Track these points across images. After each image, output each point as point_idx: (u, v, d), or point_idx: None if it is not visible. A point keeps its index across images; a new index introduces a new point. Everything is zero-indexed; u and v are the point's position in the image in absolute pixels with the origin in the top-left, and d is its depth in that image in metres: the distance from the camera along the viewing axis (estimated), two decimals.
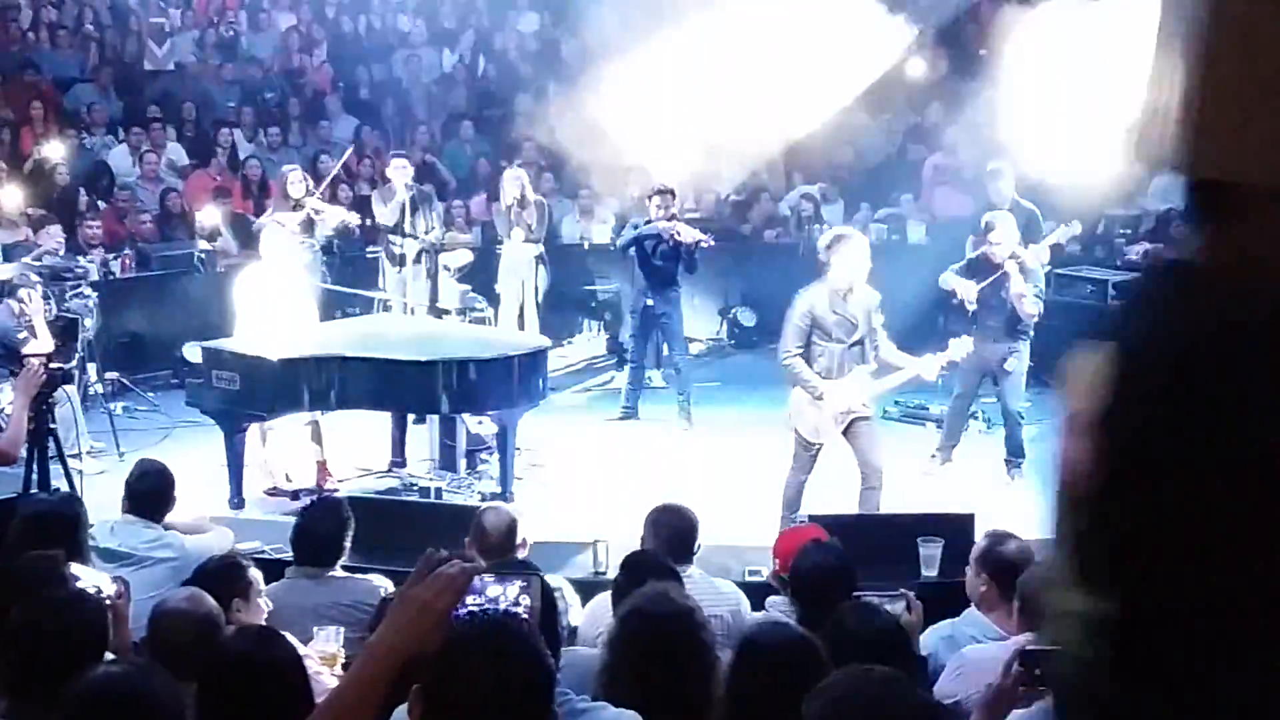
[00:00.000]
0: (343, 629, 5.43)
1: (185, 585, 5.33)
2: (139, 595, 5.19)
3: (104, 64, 17.21)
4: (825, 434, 9.02)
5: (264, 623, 5.19)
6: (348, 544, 6.29)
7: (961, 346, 9.37)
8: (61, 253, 12.40)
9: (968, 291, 10.24)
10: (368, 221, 13.34)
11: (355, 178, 15.43)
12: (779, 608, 5.72)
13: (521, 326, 13.11)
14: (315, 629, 5.40)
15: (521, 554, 6.30)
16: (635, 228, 12.08)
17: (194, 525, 7.45)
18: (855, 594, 5.38)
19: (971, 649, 5.17)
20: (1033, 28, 13.70)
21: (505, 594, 2.87)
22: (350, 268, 13.50)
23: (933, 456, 10.77)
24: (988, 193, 11.44)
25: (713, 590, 6.08)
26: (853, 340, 8.90)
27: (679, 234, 11.81)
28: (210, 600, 4.91)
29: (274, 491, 10.16)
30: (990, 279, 10.16)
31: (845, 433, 9.01)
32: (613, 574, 6.18)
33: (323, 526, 6.35)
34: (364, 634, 5.11)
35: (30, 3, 17.85)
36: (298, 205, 12.43)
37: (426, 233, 12.85)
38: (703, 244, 12.02)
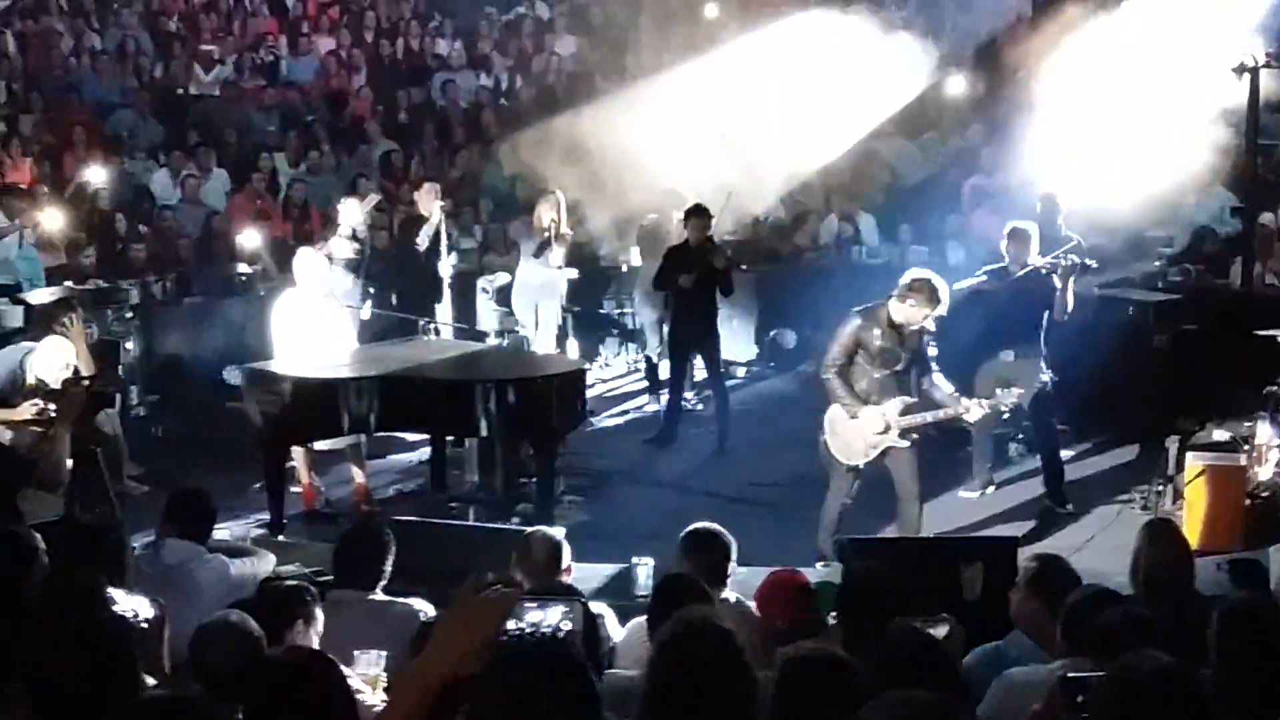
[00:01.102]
0: (385, 653, 5.42)
1: (239, 604, 5.34)
2: (184, 617, 5.20)
3: (144, 89, 17.35)
4: (855, 455, 8.95)
5: None
6: (388, 567, 6.28)
7: (1009, 396, 9.22)
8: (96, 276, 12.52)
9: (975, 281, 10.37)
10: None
11: (395, 201, 15.45)
12: None
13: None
14: (356, 653, 5.39)
15: (566, 579, 6.29)
16: (669, 269, 11.98)
17: (235, 547, 7.49)
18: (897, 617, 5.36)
19: (1015, 672, 5.13)
20: (1071, 49, 13.70)
21: (547, 618, 2.88)
22: (391, 293, 13.52)
23: (972, 481, 10.71)
24: (1038, 217, 11.28)
25: (748, 614, 6.06)
26: (895, 369, 8.85)
27: (714, 262, 11.81)
28: (253, 622, 4.92)
29: (313, 514, 10.19)
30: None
31: (881, 456, 8.96)
32: None
33: (364, 549, 6.35)
34: (406, 658, 5.11)
35: (71, 29, 18.03)
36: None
37: (458, 259, 12.92)
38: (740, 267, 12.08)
